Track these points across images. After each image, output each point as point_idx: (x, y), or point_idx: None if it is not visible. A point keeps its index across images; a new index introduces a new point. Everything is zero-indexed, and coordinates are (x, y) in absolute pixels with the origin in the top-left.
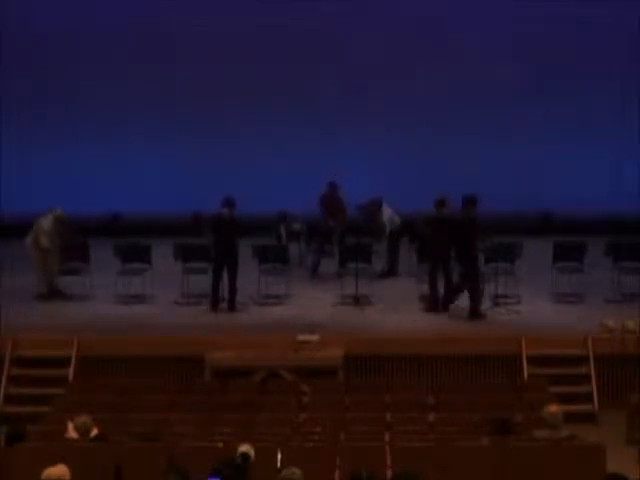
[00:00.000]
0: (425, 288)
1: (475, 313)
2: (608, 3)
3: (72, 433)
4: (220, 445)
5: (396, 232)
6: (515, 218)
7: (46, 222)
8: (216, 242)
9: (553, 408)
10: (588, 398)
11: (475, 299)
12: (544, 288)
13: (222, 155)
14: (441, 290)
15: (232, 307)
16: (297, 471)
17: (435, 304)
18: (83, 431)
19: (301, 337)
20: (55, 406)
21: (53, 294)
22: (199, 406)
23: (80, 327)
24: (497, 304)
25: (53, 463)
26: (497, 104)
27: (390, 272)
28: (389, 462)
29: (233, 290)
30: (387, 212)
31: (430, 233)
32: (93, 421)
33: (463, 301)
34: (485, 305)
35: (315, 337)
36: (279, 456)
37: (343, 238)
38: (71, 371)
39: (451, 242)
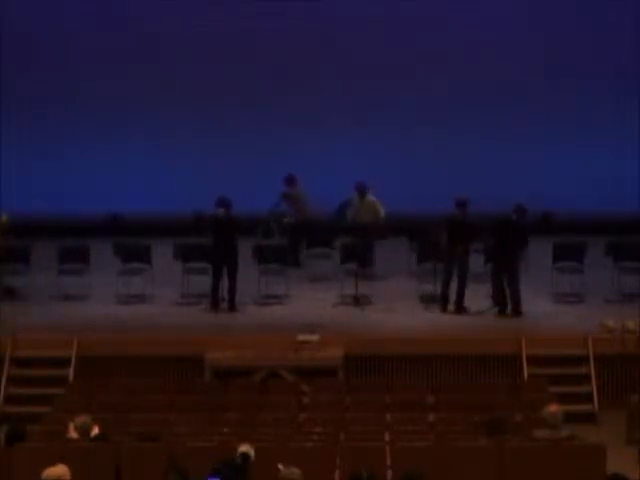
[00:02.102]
0: (425, 288)
1: (518, 312)
2: (608, 3)
3: (73, 433)
4: (216, 443)
5: (381, 225)
6: None
7: None
8: (215, 242)
9: (553, 408)
10: (588, 398)
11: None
12: (544, 288)
13: (222, 155)
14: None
15: (232, 307)
16: (297, 471)
17: (446, 303)
18: (83, 431)
19: (301, 337)
20: (55, 406)
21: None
22: (199, 406)
23: (80, 327)
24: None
25: (53, 463)
26: (497, 104)
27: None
28: (389, 462)
29: (233, 290)
30: (369, 200)
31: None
32: (93, 421)
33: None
34: (485, 305)
35: (315, 337)
36: (281, 468)
37: (307, 233)
38: (71, 371)
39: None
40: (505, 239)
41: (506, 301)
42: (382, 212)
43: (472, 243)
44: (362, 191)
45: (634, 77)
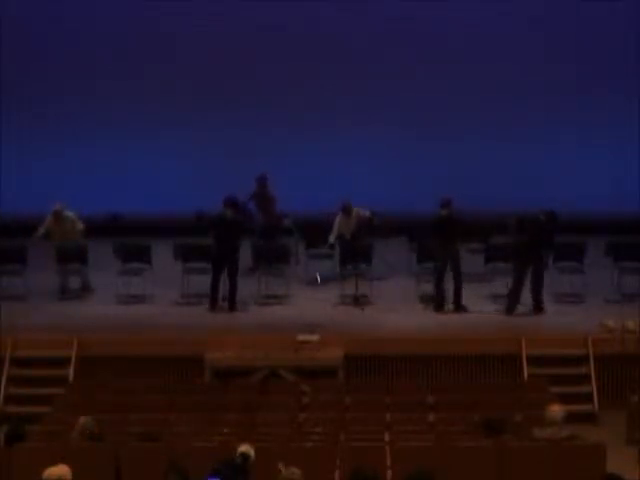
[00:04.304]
0: (425, 288)
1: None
2: (609, 3)
3: (75, 435)
4: (216, 443)
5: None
6: None
7: (49, 217)
8: (217, 242)
9: (555, 408)
10: (588, 398)
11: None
12: (544, 288)
13: (222, 155)
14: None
15: (232, 307)
16: (297, 471)
17: (442, 303)
18: (83, 431)
19: (301, 337)
20: (55, 406)
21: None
22: (199, 406)
23: (80, 327)
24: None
25: (53, 463)
26: (497, 104)
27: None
28: (389, 462)
29: (233, 290)
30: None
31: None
32: (94, 421)
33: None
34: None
35: (315, 337)
36: (281, 467)
37: (273, 233)
38: (71, 371)
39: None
40: (534, 238)
41: (519, 301)
42: (367, 212)
43: (465, 240)
44: (349, 210)
45: (634, 77)
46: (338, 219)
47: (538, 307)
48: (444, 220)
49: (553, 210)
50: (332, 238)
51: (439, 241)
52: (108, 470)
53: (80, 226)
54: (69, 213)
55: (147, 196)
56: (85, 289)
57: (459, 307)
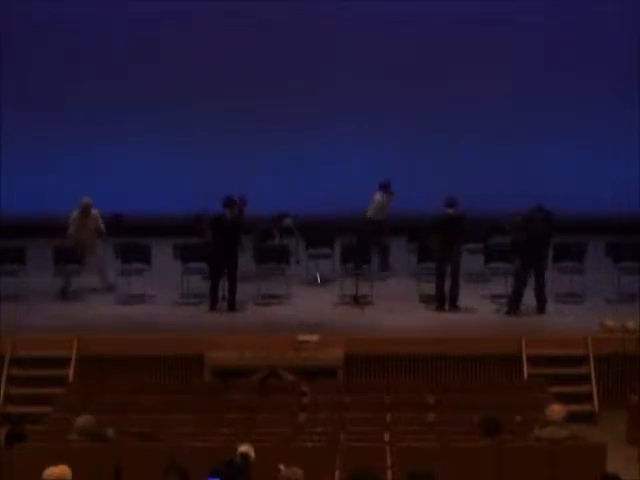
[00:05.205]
0: (425, 287)
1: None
2: (609, 3)
3: (73, 434)
4: (216, 443)
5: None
6: None
7: (75, 211)
8: (216, 242)
9: (555, 408)
10: (588, 398)
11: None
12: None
13: (222, 155)
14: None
15: (232, 307)
16: (298, 471)
17: (442, 303)
18: (82, 431)
19: (301, 337)
20: (55, 406)
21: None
22: (199, 406)
23: (80, 327)
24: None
25: (53, 463)
26: (497, 104)
27: None
28: (389, 462)
29: (233, 290)
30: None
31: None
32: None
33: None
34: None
35: (315, 337)
36: (282, 468)
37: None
38: (71, 371)
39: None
40: (535, 237)
41: (522, 301)
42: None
43: (467, 240)
44: (388, 187)
45: (634, 77)
46: (379, 197)
47: (541, 307)
48: (451, 219)
49: (548, 209)
50: (369, 211)
51: (442, 240)
52: (108, 470)
53: (102, 226)
54: (95, 210)
55: (147, 196)
56: (108, 288)
57: (453, 307)
